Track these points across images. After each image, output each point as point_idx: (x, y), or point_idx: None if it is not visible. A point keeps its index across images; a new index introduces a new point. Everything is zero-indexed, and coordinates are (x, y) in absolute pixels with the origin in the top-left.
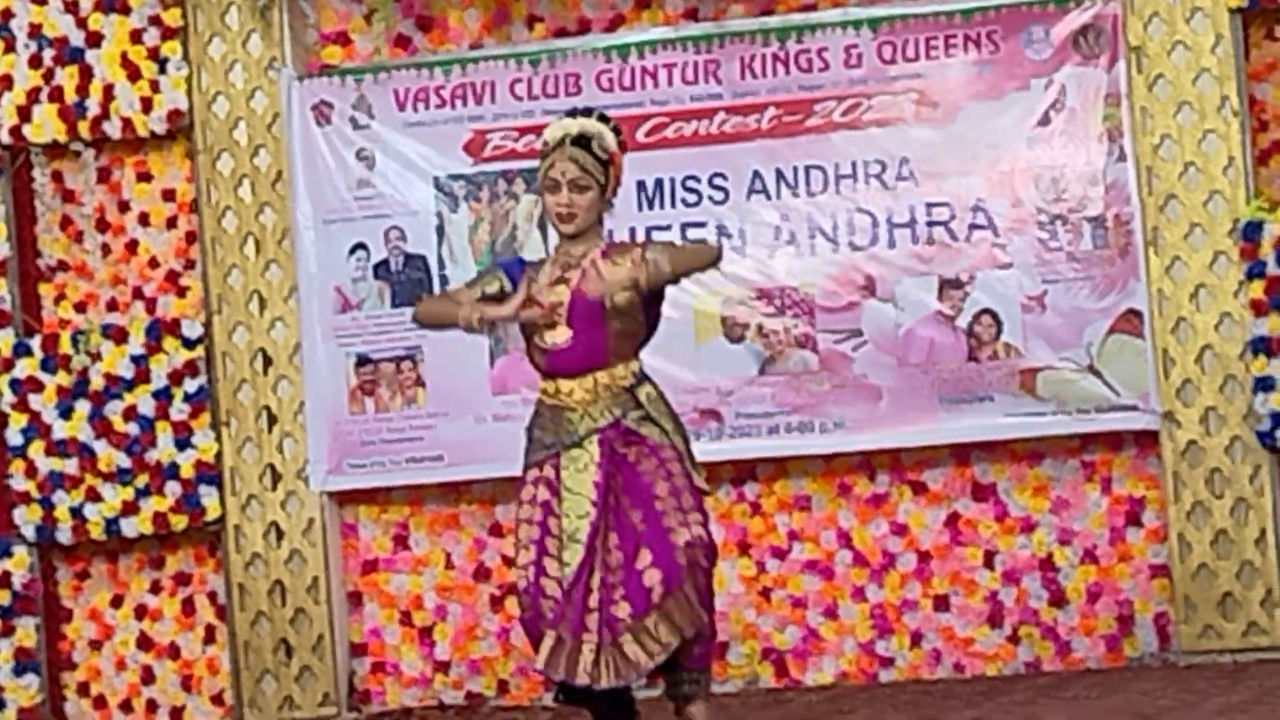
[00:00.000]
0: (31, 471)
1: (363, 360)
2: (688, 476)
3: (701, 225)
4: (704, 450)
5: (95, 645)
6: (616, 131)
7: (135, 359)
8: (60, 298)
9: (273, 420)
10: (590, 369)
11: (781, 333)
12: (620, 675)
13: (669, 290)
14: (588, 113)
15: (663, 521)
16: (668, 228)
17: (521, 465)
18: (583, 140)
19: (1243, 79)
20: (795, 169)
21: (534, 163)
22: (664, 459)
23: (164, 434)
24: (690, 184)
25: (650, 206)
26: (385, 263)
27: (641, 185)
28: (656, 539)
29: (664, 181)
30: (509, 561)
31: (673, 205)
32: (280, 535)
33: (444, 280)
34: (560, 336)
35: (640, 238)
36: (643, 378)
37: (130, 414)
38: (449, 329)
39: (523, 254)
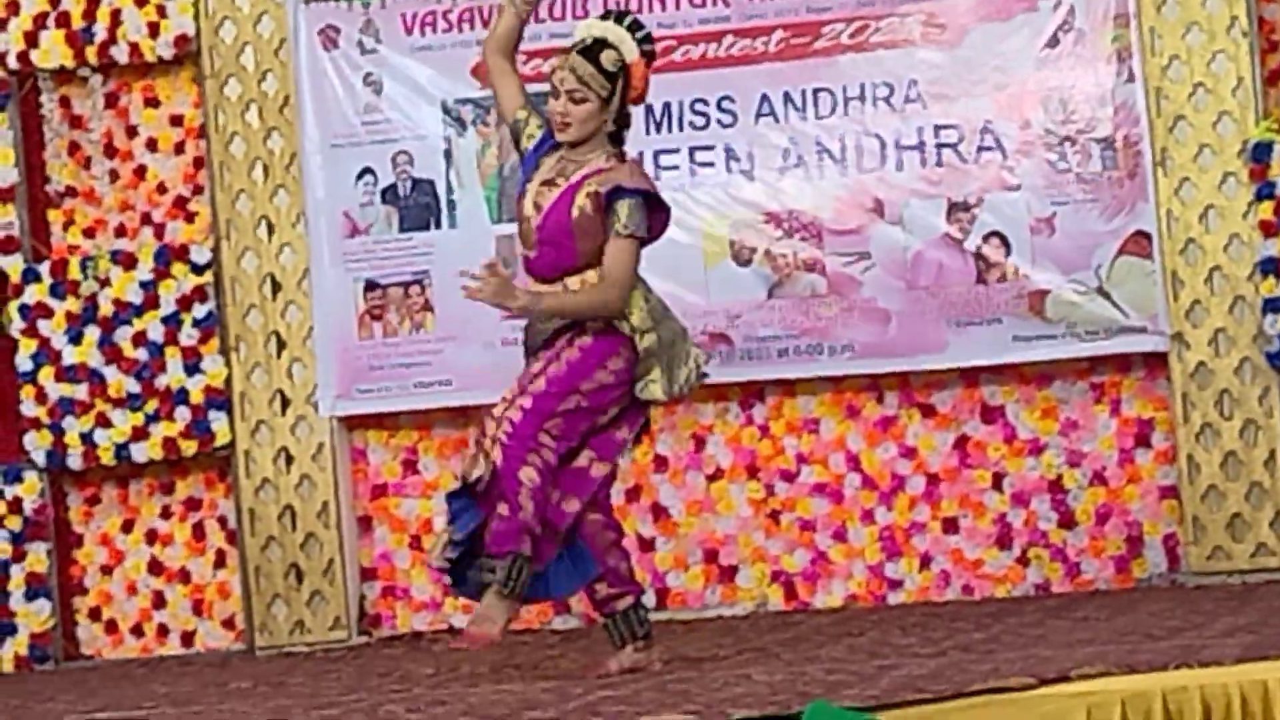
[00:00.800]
0: (41, 397)
1: (371, 285)
2: (576, 363)
3: (709, 149)
4: (715, 373)
5: (106, 570)
6: (646, 40)
7: (144, 284)
8: (69, 224)
9: (281, 345)
10: (560, 275)
11: (790, 256)
12: None
13: (676, 214)
14: (621, 16)
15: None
16: (676, 151)
17: None
18: (591, 49)
19: (1252, 0)
20: (803, 92)
21: (543, 86)
22: (579, 347)
23: (173, 359)
24: (698, 107)
25: (658, 130)
26: (393, 187)
27: (650, 109)
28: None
29: (671, 105)
30: None
31: (680, 129)
32: (290, 460)
33: (452, 205)
34: (529, 246)
35: (647, 163)
36: None
37: (139, 339)
38: (510, 35)
39: None
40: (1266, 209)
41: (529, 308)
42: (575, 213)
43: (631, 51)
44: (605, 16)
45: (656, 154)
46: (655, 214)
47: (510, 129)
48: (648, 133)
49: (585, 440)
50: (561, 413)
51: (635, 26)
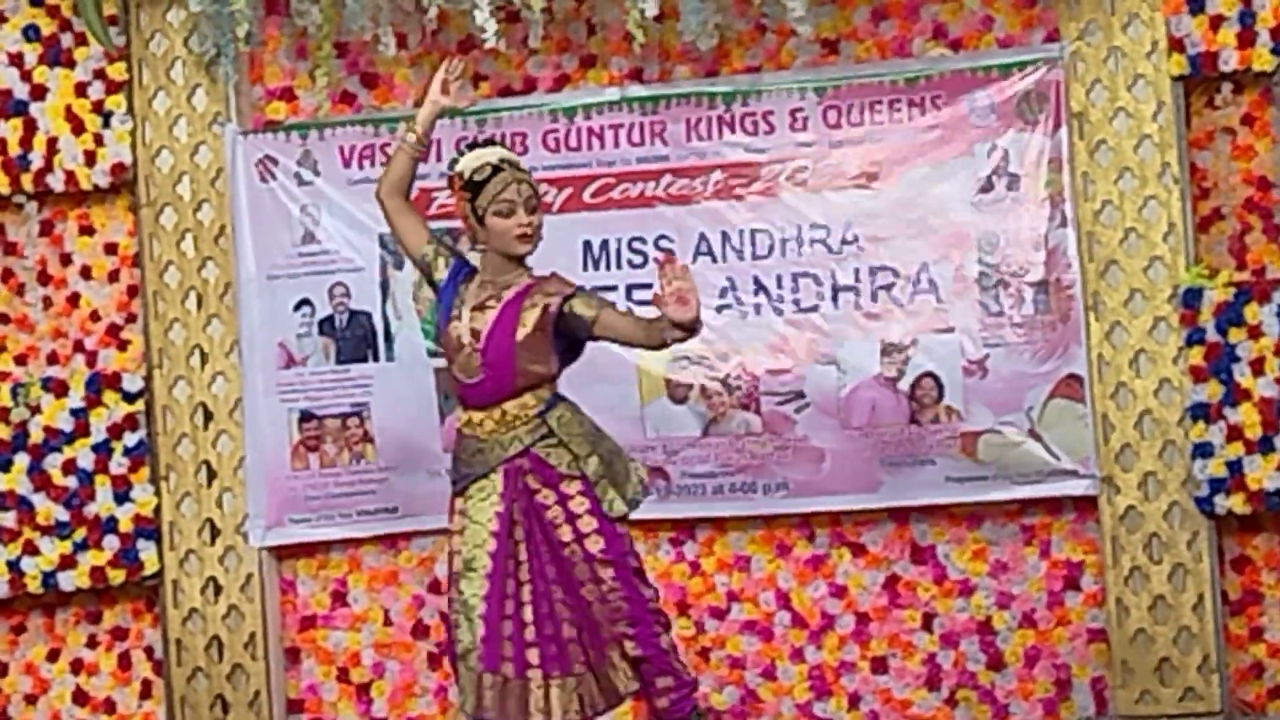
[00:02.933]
0: None
1: (306, 416)
2: (595, 512)
3: (646, 286)
4: (651, 509)
5: (30, 700)
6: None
7: (75, 412)
8: (0, 350)
9: (212, 475)
10: (499, 401)
11: (725, 395)
12: (566, 714)
13: (613, 350)
14: (490, 142)
15: (578, 588)
16: (614, 288)
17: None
18: (517, 164)
19: (1184, 146)
20: (740, 232)
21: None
22: (567, 498)
23: (103, 488)
24: (636, 245)
25: (595, 267)
26: (330, 319)
27: (588, 245)
28: (578, 603)
29: (609, 242)
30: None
31: (618, 266)
32: (218, 590)
33: (389, 338)
34: (472, 373)
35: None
36: (554, 401)
37: (69, 467)
38: (407, 177)
39: None
40: (1197, 354)
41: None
42: (520, 333)
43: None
44: (473, 145)
45: (593, 290)
46: None
47: (418, 265)
48: (585, 269)
49: None
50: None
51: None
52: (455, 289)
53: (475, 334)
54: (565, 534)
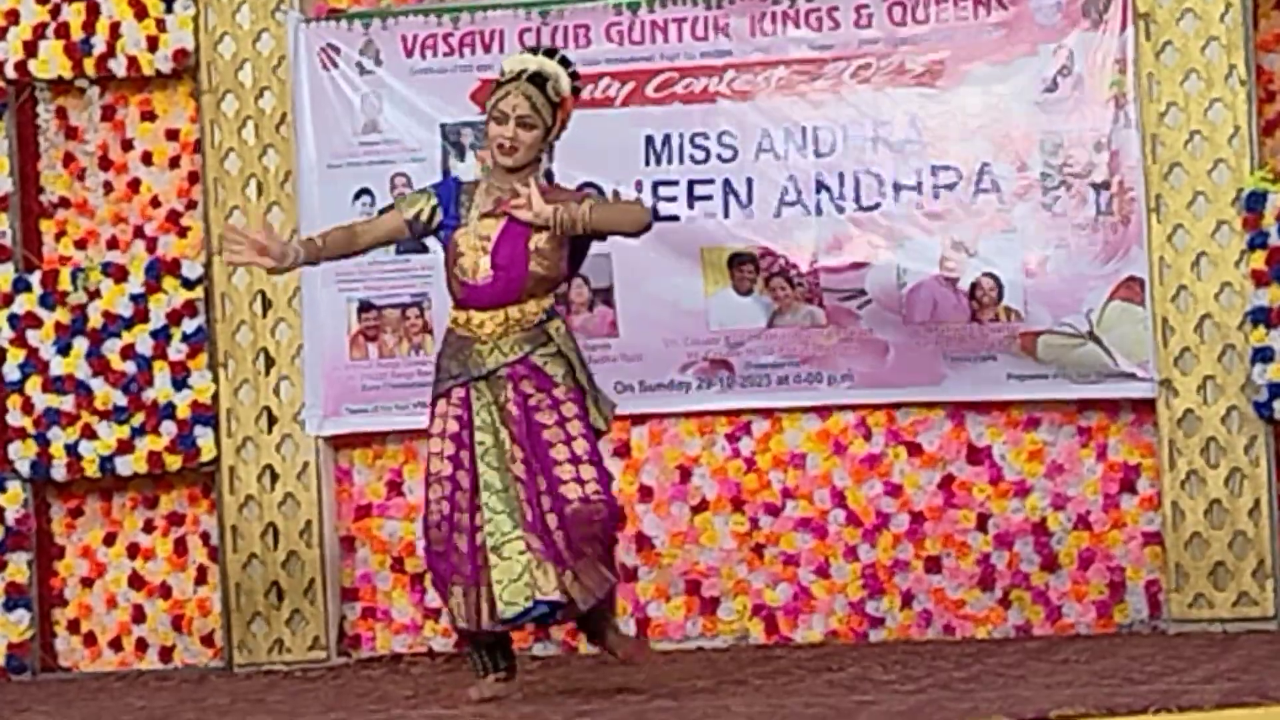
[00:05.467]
0: (28, 407)
1: (365, 306)
2: (583, 419)
3: (709, 182)
4: (714, 400)
5: (87, 583)
6: (574, 76)
7: (134, 298)
8: (61, 234)
9: (270, 363)
10: (503, 304)
11: (788, 289)
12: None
13: (677, 242)
14: (550, 53)
15: (558, 485)
16: (675, 183)
17: (430, 396)
18: (538, 79)
19: (1251, 49)
20: (803, 129)
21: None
22: (559, 402)
23: (161, 373)
24: (698, 141)
25: (657, 162)
26: (390, 209)
27: (650, 140)
28: (556, 501)
29: (671, 137)
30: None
31: (680, 161)
32: (275, 478)
33: None
34: (480, 273)
35: (645, 194)
36: (552, 313)
37: (128, 352)
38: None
39: None
40: (1259, 258)
41: (566, 220)
42: (534, 241)
43: (566, 87)
44: (534, 50)
45: (655, 185)
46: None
47: (415, 232)
48: (647, 164)
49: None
50: None
51: (565, 63)
52: (457, 199)
53: (484, 238)
54: (555, 436)
